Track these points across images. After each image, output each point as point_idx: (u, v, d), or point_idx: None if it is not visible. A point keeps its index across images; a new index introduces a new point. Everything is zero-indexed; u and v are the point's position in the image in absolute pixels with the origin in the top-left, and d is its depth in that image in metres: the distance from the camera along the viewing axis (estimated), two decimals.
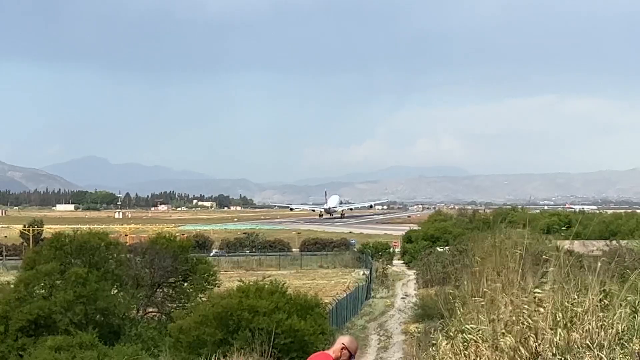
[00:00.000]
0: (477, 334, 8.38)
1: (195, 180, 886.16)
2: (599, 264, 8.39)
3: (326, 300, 31.99)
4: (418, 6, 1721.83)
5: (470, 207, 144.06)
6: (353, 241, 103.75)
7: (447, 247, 63.25)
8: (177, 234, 46.30)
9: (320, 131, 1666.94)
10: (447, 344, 8.86)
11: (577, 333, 7.70)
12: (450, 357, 8.66)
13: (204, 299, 28.91)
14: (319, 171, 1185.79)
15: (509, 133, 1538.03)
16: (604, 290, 8.17)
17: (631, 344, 7.46)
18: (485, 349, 8.14)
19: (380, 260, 75.01)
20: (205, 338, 21.80)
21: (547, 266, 8.56)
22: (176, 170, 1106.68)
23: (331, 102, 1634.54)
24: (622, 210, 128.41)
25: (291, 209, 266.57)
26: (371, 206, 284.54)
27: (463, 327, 8.62)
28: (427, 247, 73.98)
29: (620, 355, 7.37)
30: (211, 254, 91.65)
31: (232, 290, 24.23)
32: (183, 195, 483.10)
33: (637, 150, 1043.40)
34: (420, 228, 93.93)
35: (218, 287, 31.46)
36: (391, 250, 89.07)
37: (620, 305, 7.95)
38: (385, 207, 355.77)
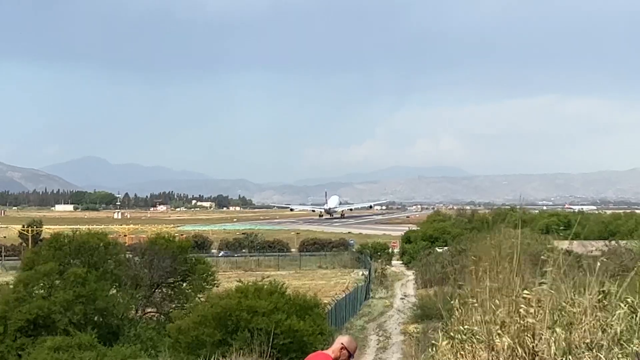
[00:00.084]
0: (471, 335, 8.39)
1: (195, 181, 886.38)
2: (598, 264, 8.39)
3: (325, 301, 32.01)
4: (418, 6, 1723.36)
5: (469, 208, 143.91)
6: (352, 241, 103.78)
7: (445, 248, 63.29)
8: (176, 235, 46.28)
9: (320, 131, 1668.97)
10: (446, 344, 8.86)
11: (575, 333, 7.69)
12: (449, 358, 8.67)
13: (202, 299, 28.92)
14: (318, 171, 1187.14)
15: (508, 133, 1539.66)
16: (603, 291, 8.17)
17: (631, 345, 7.46)
18: (482, 349, 8.15)
19: (379, 260, 75.01)
20: (204, 338, 21.79)
21: (546, 266, 8.56)
22: (175, 170, 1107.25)
23: (331, 102, 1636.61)
24: (621, 211, 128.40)
25: (291, 210, 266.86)
26: (371, 206, 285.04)
27: (459, 328, 8.63)
28: (426, 248, 74.00)
29: (619, 356, 7.36)
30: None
31: (231, 290, 24.22)
32: (182, 195, 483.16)
33: (636, 151, 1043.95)
34: (419, 228, 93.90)
35: (217, 287, 31.50)
36: (390, 250, 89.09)
37: (619, 305, 7.94)
38: (384, 207, 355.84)
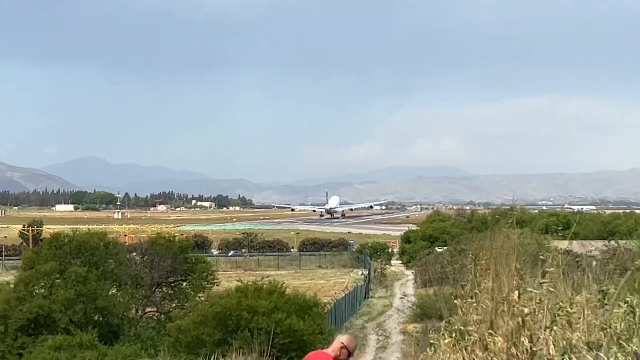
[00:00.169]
0: (467, 335, 8.44)
1: (194, 181, 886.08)
2: (594, 263, 8.44)
3: (325, 300, 32.00)
4: (417, 6, 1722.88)
5: (468, 208, 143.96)
6: (351, 241, 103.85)
7: (445, 248, 63.31)
8: (176, 234, 46.33)
9: (320, 131, 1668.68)
10: (447, 343, 8.90)
11: (574, 332, 7.73)
12: (449, 357, 8.71)
13: (202, 298, 28.99)
14: (318, 171, 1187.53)
15: (508, 133, 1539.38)
16: (602, 290, 8.20)
17: (630, 344, 7.49)
18: (478, 349, 8.19)
19: (379, 260, 75.08)
20: (204, 338, 21.83)
21: (545, 266, 8.60)
22: (175, 170, 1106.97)
23: (330, 102, 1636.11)
24: (620, 211, 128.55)
25: (292, 210, 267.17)
26: (371, 206, 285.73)
27: (457, 328, 8.67)
28: (425, 248, 74.06)
29: (618, 355, 7.39)
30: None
31: (231, 290, 24.27)
32: (182, 195, 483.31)
33: (635, 151, 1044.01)
34: (418, 228, 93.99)
35: (217, 285, 31.57)
36: (389, 250, 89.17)
37: (618, 305, 7.98)
38: (383, 207, 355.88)
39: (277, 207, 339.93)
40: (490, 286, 8.39)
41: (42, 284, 28.04)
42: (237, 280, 25.98)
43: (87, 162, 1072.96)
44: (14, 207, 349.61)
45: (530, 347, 7.67)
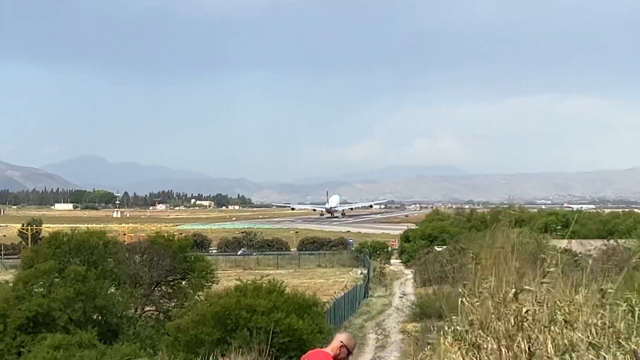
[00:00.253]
0: (463, 334, 8.44)
1: (194, 180, 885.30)
2: (590, 262, 8.44)
3: (324, 299, 32.01)
4: (417, 5, 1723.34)
5: (467, 207, 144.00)
6: (351, 240, 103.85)
7: (444, 247, 63.33)
8: (175, 233, 46.34)
9: (319, 131, 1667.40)
10: (445, 343, 8.91)
11: (574, 332, 7.72)
12: (447, 357, 8.71)
13: (201, 295, 29.01)
14: (317, 171, 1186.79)
15: (507, 132, 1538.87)
16: (601, 289, 8.20)
17: (629, 343, 7.49)
18: (476, 349, 8.19)
19: (378, 259, 75.11)
20: (203, 337, 21.82)
21: (544, 265, 8.59)
22: (174, 169, 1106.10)
23: (330, 102, 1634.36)
24: (619, 210, 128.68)
25: (293, 209, 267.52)
26: (371, 206, 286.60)
27: (456, 327, 8.68)
28: (424, 247, 74.08)
29: (618, 354, 7.39)
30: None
31: (230, 289, 24.27)
32: (181, 194, 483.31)
33: (635, 150, 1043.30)
34: (418, 227, 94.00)
35: (216, 284, 31.59)
36: (389, 249, 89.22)
37: (617, 304, 7.97)
38: (383, 206, 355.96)
39: (276, 206, 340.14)
40: (492, 285, 8.39)
41: (41, 282, 28.06)
42: (237, 280, 25.99)
43: (86, 161, 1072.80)
44: (13, 206, 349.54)
45: (529, 347, 7.67)
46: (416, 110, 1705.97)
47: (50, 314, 26.46)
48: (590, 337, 7.60)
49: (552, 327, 7.76)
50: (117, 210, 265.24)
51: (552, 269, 8.32)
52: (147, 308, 31.88)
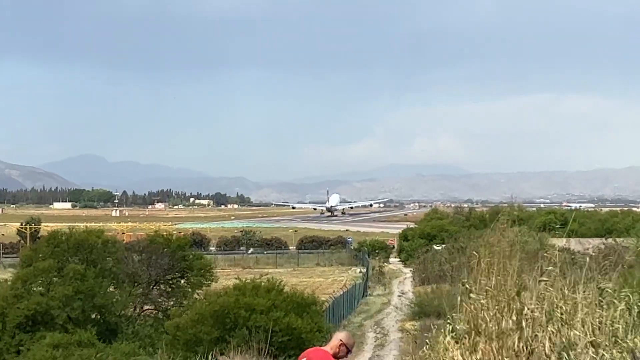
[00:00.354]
0: (456, 333, 8.45)
1: (193, 179, 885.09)
2: (588, 260, 8.44)
3: (323, 298, 32.03)
4: (416, 5, 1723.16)
5: (466, 206, 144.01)
6: (350, 239, 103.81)
7: (443, 245, 63.34)
8: (173, 232, 46.34)
9: (318, 130, 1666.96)
10: (448, 340, 8.92)
11: (572, 330, 7.73)
12: (446, 356, 8.72)
13: (200, 293, 29.03)
14: (316, 169, 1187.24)
15: (506, 131, 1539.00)
16: (600, 288, 8.20)
17: (627, 341, 7.50)
18: (470, 347, 8.20)
19: (377, 258, 75.10)
20: (202, 336, 21.83)
21: (542, 264, 8.60)
22: (173, 168, 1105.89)
23: (329, 101, 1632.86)
24: (618, 208, 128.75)
25: (293, 207, 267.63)
26: (371, 205, 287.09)
27: (455, 326, 8.69)
28: (423, 245, 74.04)
29: (614, 352, 7.40)
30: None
31: (228, 288, 24.27)
32: (180, 193, 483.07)
33: (633, 149, 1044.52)
34: (416, 226, 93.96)
35: (215, 282, 31.59)
36: (388, 248, 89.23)
37: (614, 303, 7.98)
38: (381, 205, 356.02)
39: (275, 205, 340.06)
40: (493, 284, 8.40)
41: (40, 281, 28.06)
42: (236, 278, 26.00)
43: (85, 160, 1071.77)
44: (12, 205, 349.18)
45: (528, 345, 7.68)
46: (416, 109, 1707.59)
47: (49, 313, 26.45)
48: (588, 336, 7.61)
49: (550, 326, 7.77)
50: (116, 209, 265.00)
51: (550, 268, 8.34)
52: (146, 307, 31.89)
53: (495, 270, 8.59)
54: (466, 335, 8.44)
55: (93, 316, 27.92)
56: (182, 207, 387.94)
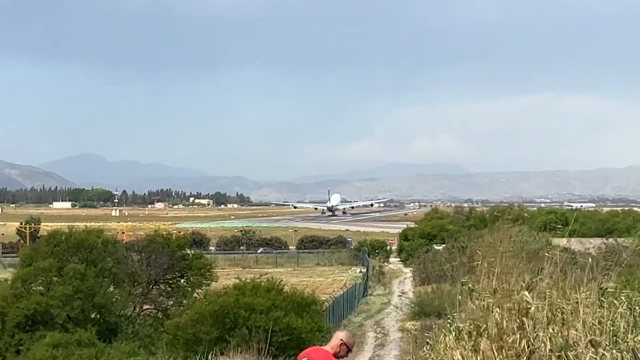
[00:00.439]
0: (457, 332, 8.43)
1: (192, 178, 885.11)
2: (589, 259, 8.43)
3: (323, 298, 31.99)
4: (416, 4, 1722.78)
5: (467, 205, 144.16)
6: (349, 239, 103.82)
7: (443, 245, 63.34)
8: (173, 232, 46.35)
9: (318, 129, 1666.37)
10: (449, 339, 8.90)
11: (572, 330, 7.72)
12: (446, 355, 8.70)
13: (200, 292, 29.01)
14: (316, 169, 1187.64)
15: (506, 131, 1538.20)
16: (600, 288, 8.19)
17: (627, 341, 7.48)
18: (471, 346, 8.18)
19: (377, 258, 75.09)
20: (202, 336, 21.80)
21: (544, 264, 8.58)
22: (173, 167, 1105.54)
23: (329, 100, 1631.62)
24: (619, 208, 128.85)
25: (294, 207, 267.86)
26: (372, 204, 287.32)
27: (455, 326, 8.68)
28: (423, 245, 74.03)
29: (614, 352, 7.38)
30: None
31: (228, 288, 24.25)
32: (180, 192, 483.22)
33: (634, 148, 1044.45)
34: (417, 226, 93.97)
35: (215, 282, 31.57)
36: (388, 248, 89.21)
37: (614, 303, 7.96)
38: (381, 204, 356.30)
39: (275, 204, 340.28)
40: (493, 283, 8.38)
41: (39, 281, 28.05)
42: (236, 278, 25.97)
43: (84, 159, 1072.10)
44: (11, 205, 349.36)
45: (529, 345, 7.66)
46: (416, 108, 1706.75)
47: (48, 312, 26.44)
48: (589, 335, 7.59)
49: (551, 325, 7.75)
50: (116, 209, 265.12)
51: (551, 268, 8.32)
52: (146, 306, 31.86)
53: (497, 270, 8.57)
54: (467, 335, 8.42)
55: (93, 316, 27.91)
56: (181, 206, 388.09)
